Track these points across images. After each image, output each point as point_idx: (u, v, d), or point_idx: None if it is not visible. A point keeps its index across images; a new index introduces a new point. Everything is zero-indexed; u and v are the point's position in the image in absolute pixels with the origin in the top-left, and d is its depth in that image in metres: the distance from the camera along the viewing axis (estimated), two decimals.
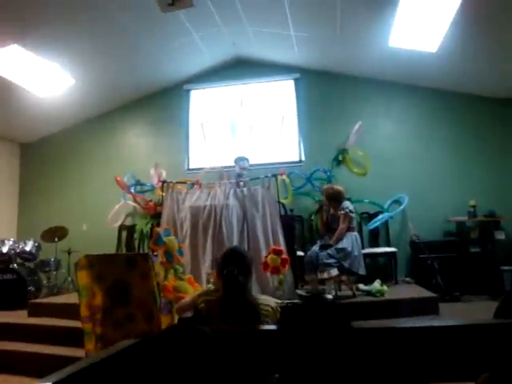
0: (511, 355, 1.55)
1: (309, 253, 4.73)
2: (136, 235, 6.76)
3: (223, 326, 2.06)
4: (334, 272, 4.45)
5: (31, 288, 6.09)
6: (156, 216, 6.10)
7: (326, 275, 4.46)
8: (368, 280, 4.97)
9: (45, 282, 6.62)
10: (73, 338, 4.06)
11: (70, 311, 4.60)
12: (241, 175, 5.93)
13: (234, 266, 2.22)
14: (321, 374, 1.05)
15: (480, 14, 4.80)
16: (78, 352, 3.79)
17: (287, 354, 1.07)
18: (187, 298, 2.74)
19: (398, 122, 6.99)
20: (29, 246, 6.55)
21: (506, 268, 5.69)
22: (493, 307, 1.85)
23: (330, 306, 1.22)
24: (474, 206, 6.16)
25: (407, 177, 6.60)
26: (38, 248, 6.68)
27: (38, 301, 5.56)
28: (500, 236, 6.05)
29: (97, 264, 3.42)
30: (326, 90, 7.19)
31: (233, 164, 6.63)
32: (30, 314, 5.11)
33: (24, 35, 5.19)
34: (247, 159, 6.25)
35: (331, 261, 4.43)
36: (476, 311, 4.70)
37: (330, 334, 1.07)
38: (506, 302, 1.84)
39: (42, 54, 5.64)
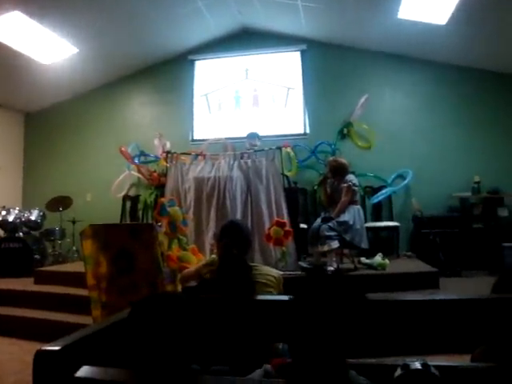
0: (506, 329, 1.59)
1: (313, 225, 4.75)
2: (140, 205, 6.81)
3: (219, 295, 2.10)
4: (335, 244, 4.46)
5: (37, 256, 6.18)
6: (160, 187, 6.12)
7: (326, 248, 4.47)
8: (370, 253, 5.00)
9: (50, 250, 6.72)
10: (77, 304, 4.16)
11: (74, 279, 4.69)
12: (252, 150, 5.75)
13: (231, 238, 2.27)
14: (332, 344, 1.07)
15: None
16: (82, 318, 3.87)
17: (299, 323, 1.10)
18: (191, 268, 2.78)
19: (404, 95, 6.91)
20: (34, 215, 6.60)
21: (507, 245, 5.70)
22: (492, 283, 1.88)
23: (343, 278, 1.26)
24: (478, 183, 6.15)
25: (412, 151, 6.56)
26: (43, 217, 6.73)
27: (43, 269, 5.65)
28: (503, 213, 6.05)
29: (101, 233, 3.45)
30: (333, 63, 7.08)
31: (237, 135, 6.61)
32: (36, 282, 5.20)
33: (26, 2, 5.10)
34: (258, 136, 6.10)
35: (332, 233, 4.45)
36: (476, 286, 4.73)
37: (345, 305, 1.10)
38: (504, 278, 1.87)
39: (44, 22, 5.56)
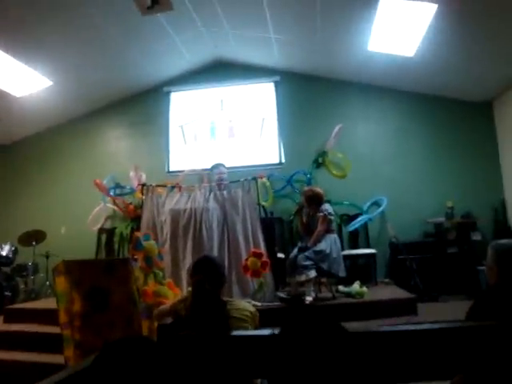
0: (483, 357, 1.60)
1: (290, 255, 4.74)
2: (116, 238, 6.70)
3: (193, 332, 2.06)
4: (312, 274, 4.45)
5: (7, 293, 5.98)
6: (136, 219, 6.05)
7: (303, 277, 4.45)
8: (348, 282, 5.01)
9: (22, 286, 6.49)
10: (50, 343, 4.00)
11: (47, 316, 4.51)
12: (222, 180, 5.54)
13: (204, 274, 2.24)
14: (313, 378, 1.06)
15: (455, 19, 4.90)
16: (56, 358, 3.72)
17: (279, 358, 1.08)
18: (167, 304, 2.73)
19: (377, 124, 7.07)
20: (5, 251, 6.42)
21: (482, 268, 5.78)
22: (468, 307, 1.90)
23: (320, 310, 1.25)
24: (451, 208, 6.28)
25: (386, 179, 6.68)
26: (15, 252, 6.55)
27: (14, 306, 5.44)
28: (476, 237, 6.16)
29: (75, 269, 3.38)
30: (306, 93, 7.23)
31: None
32: (6, 320, 5.00)
33: None
34: (223, 165, 5.98)
35: (308, 263, 4.45)
36: (453, 311, 4.76)
37: (325, 339, 1.09)
38: (478, 303, 1.90)
39: (17, 55, 5.55)
